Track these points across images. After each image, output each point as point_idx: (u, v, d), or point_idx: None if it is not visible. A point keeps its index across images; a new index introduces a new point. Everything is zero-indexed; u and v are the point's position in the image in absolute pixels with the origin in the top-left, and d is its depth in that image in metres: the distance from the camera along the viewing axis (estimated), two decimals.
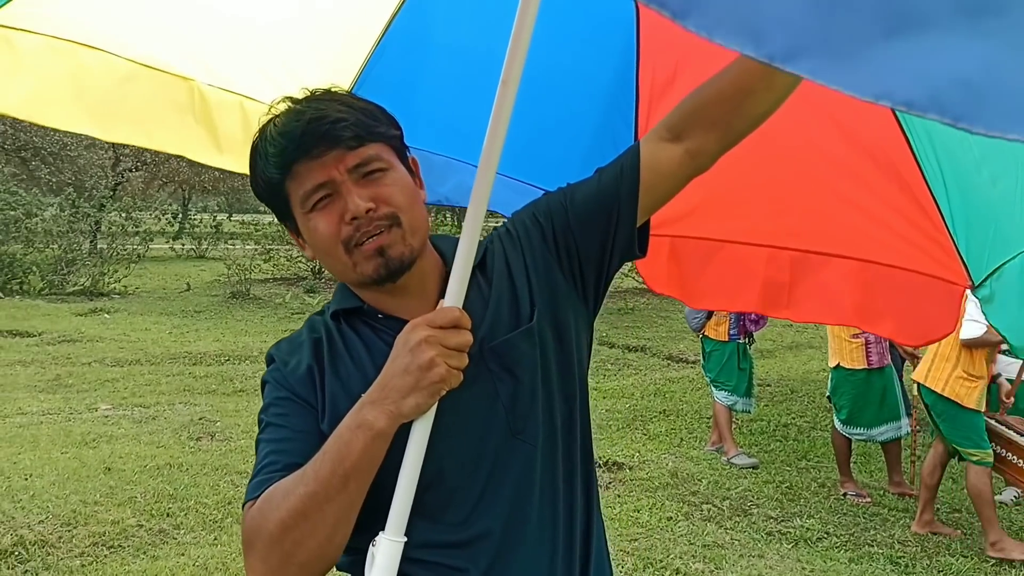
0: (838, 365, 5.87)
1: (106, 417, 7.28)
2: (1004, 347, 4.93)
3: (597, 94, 2.00)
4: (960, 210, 1.69)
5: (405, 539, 1.22)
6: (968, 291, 1.77)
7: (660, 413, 7.89)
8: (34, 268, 16.47)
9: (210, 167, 1.98)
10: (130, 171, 23.43)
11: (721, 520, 5.26)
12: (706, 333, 6.81)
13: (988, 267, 1.69)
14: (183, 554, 4.52)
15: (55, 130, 2.00)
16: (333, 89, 1.37)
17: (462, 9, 2.00)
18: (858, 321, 1.98)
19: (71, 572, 4.29)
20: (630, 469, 6.18)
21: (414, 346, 1.19)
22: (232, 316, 14.13)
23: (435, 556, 1.28)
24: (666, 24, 1.88)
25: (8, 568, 4.27)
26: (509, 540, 1.30)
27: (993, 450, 4.95)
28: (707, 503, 5.54)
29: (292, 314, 14.07)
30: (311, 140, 1.26)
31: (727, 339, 6.69)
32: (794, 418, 7.76)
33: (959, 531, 5.20)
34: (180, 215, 28.79)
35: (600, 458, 6.30)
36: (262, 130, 1.32)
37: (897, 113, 1.65)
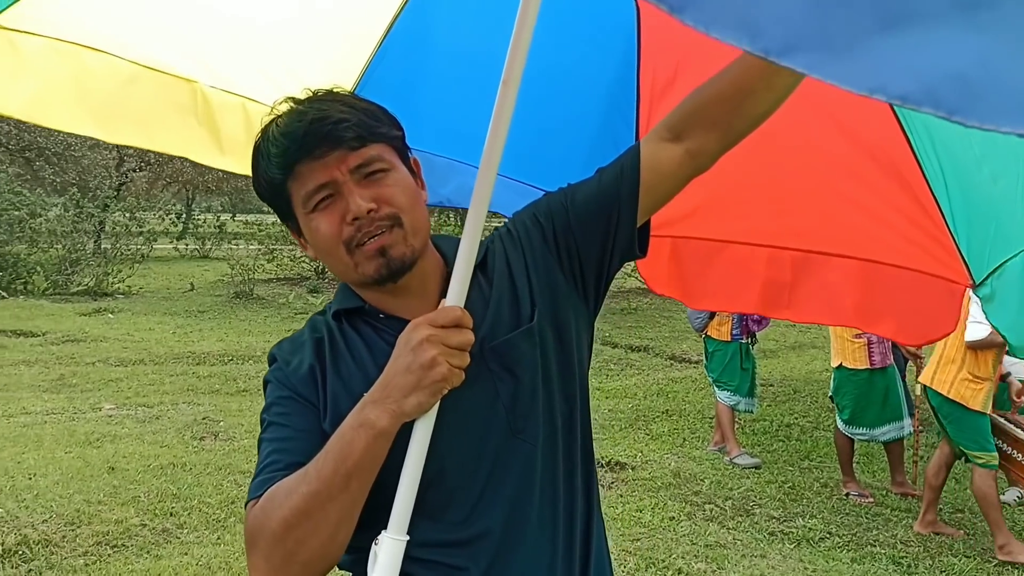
0: (840, 365, 5.87)
1: (110, 417, 7.30)
2: None
3: (598, 95, 2.00)
4: (961, 208, 1.69)
5: (407, 538, 1.22)
6: (971, 292, 1.77)
7: (663, 413, 7.89)
8: (38, 268, 16.50)
9: (213, 168, 1.99)
10: (134, 171, 23.45)
11: (723, 520, 5.26)
12: (708, 333, 6.81)
13: (989, 265, 1.69)
14: (186, 553, 4.53)
15: (59, 130, 2.01)
16: (335, 89, 1.37)
17: (464, 11, 2.01)
18: (858, 322, 1.98)
19: (75, 571, 4.30)
20: (632, 469, 6.18)
21: (416, 345, 1.19)
22: (236, 316, 14.14)
23: (435, 555, 1.28)
24: (667, 25, 1.89)
25: (12, 567, 4.29)
26: (509, 539, 1.30)
27: (1000, 448, 4.94)
28: (709, 503, 5.54)
29: (295, 314, 14.08)
30: (313, 141, 1.27)
31: (729, 339, 6.69)
32: (797, 418, 7.75)
33: (962, 531, 5.20)
34: (184, 215, 28.84)
35: (603, 458, 6.30)
36: (264, 130, 1.33)
37: (897, 112, 1.65)
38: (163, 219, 24.32)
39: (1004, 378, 5.28)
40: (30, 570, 4.28)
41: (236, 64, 1.92)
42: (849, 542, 4.98)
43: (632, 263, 1.86)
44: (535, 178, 2.02)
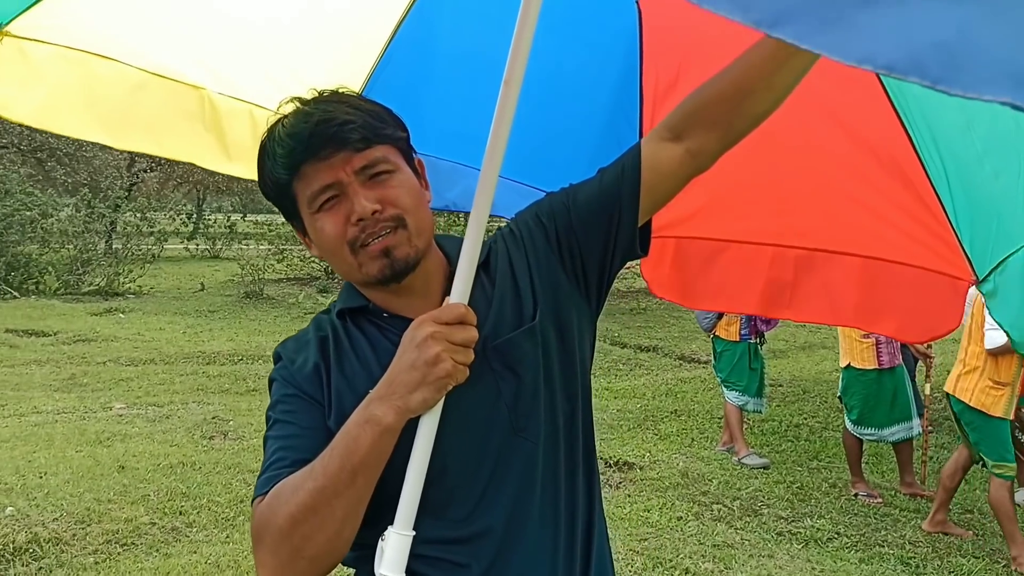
0: (849, 365, 5.86)
1: (120, 416, 7.34)
2: None
3: (602, 98, 2.01)
4: (963, 205, 1.70)
5: (414, 533, 1.23)
6: (975, 288, 1.78)
7: (671, 413, 7.88)
8: (50, 268, 16.60)
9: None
10: (145, 172, 23.56)
11: (731, 520, 5.25)
12: (717, 333, 6.80)
13: (992, 261, 1.69)
14: (195, 552, 4.56)
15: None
16: (341, 91, 1.39)
17: (468, 16, 2.01)
18: (859, 321, 1.98)
19: (85, 569, 4.33)
20: (641, 469, 6.18)
21: (420, 342, 1.20)
22: (245, 316, 14.20)
23: (438, 552, 1.29)
24: (668, 27, 1.90)
25: (23, 565, 4.32)
26: (511, 536, 1.31)
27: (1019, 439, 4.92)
28: (717, 503, 5.54)
29: (305, 314, 14.12)
30: (319, 142, 1.28)
31: (738, 339, 6.68)
32: (806, 418, 7.74)
33: (971, 532, 5.18)
34: (194, 215, 28.90)
35: (611, 458, 6.31)
36: (270, 130, 1.34)
37: (898, 109, 1.66)
38: (174, 219, 24.42)
39: None
40: (40, 568, 4.31)
41: (243, 70, 1.94)
42: (857, 542, 4.97)
43: (637, 264, 1.87)
44: (540, 181, 2.02)
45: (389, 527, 1.23)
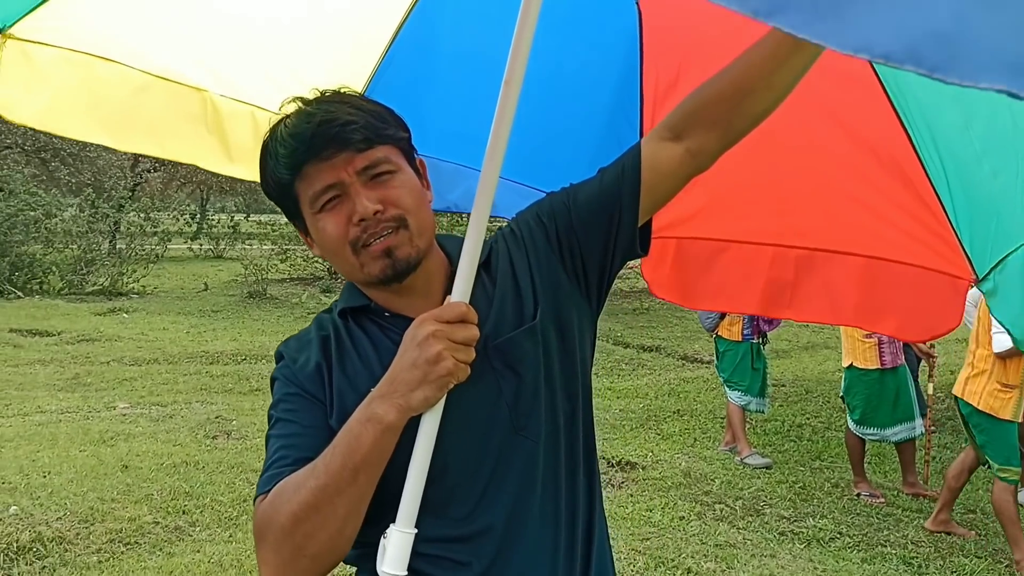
0: (851, 365, 5.85)
1: (124, 415, 7.35)
2: None
3: (602, 99, 2.01)
4: (963, 204, 1.70)
5: (416, 531, 1.24)
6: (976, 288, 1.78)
7: (674, 413, 7.89)
8: (54, 268, 16.62)
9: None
10: (149, 172, 23.57)
11: (733, 520, 5.26)
12: (720, 333, 6.80)
13: (991, 260, 1.69)
14: (199, 551, 4.57)
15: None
16: (343, 91, 1.39)
17: (470, 17, 2.02)
18: (859, 320, 1.99)
19: (88, 568, 4.34)
20: (643, 469, 6.19)
21: (422, 340, 1.21)
22: (249, 316, 14.22)
23: (439, 550, 1.30)
24: (668, 27, 1.90)
25: (27, 564, 4.33)
26: (511, 535, 1.32)
27: None
28: (720, 503, 5.54)
29: (308, 314, 14.12)
30: (321, 142, 1.28)
31: (740, 339, 6.68)
32: (808, 418, 7.74)
33: (973, 532, 5.18)
34: (198, 215, 28.97)
35: (613, 457, 6.31)
36: (273, 130, 1.35)
37: (897, 108, 1.66)
38: (177, 219, 24.46)
39: None
40: (44, 567, 4.33)
41: (245, 72, 1.94)
42: (860, 542, 4.97)
43: (639, 264, 1.88)
44: (541, 182, 2.02)
45: (391, 525, 1.24)
